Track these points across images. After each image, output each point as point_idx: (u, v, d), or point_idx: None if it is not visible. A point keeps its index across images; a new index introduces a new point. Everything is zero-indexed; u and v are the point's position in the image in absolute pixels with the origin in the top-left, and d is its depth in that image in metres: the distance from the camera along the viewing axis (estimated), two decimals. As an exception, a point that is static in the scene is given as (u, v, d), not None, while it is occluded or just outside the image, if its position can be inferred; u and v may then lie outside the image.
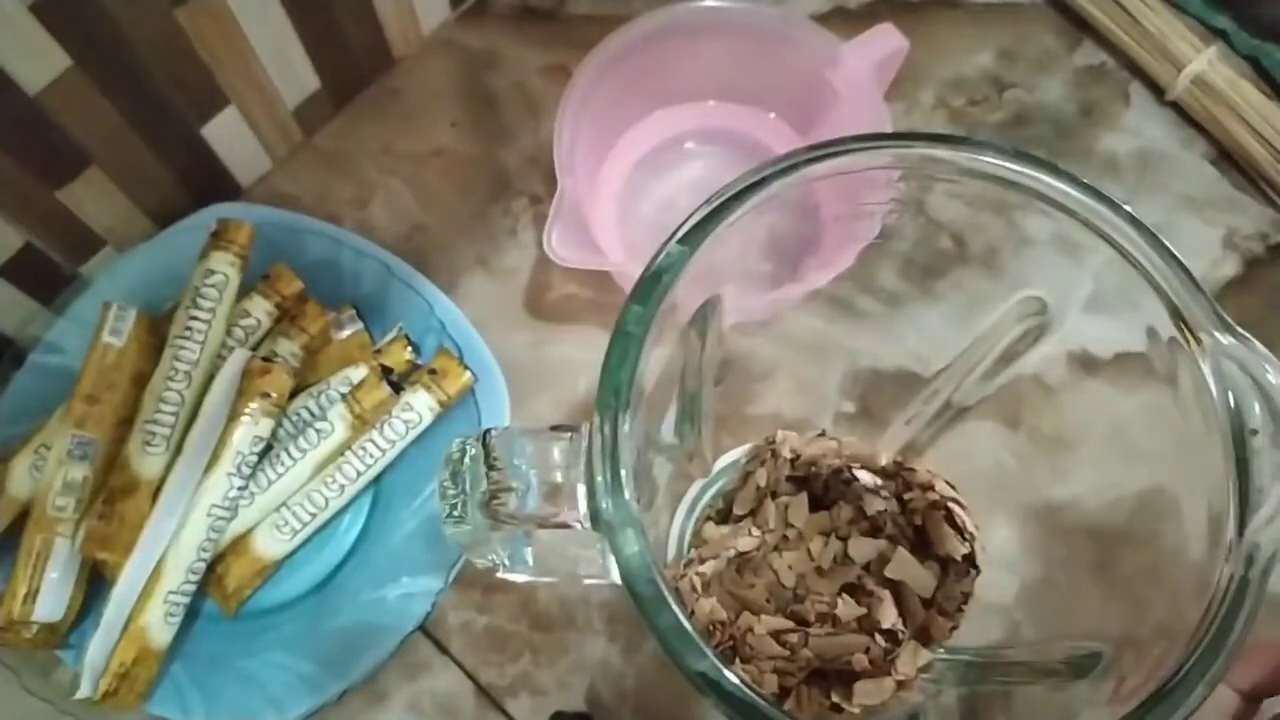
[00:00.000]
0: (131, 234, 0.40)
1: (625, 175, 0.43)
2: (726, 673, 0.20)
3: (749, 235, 0.25)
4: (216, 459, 0.35)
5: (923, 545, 0.33)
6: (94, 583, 0.35)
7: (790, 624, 0.32)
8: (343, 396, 0.37)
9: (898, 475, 0.34)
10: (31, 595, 0.33)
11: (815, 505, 0.34)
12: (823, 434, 0.35)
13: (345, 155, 0.45)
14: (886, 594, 0.32)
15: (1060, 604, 0.30)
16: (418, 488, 0.38)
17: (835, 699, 0.31)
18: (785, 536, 0.34)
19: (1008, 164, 0.24)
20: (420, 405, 0.36)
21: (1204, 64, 0.45)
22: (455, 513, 0.24)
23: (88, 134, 0.36)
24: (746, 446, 0.36)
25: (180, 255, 0.37)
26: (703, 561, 0.33)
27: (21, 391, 0.37)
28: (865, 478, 0.34)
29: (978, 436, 0.33)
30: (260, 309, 0.38)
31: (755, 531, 0.34)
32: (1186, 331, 0.23)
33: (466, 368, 0.37)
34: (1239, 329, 0.22)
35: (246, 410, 0.35)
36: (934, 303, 0.31)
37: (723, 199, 0.23)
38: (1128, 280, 0.24)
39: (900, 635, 0.32)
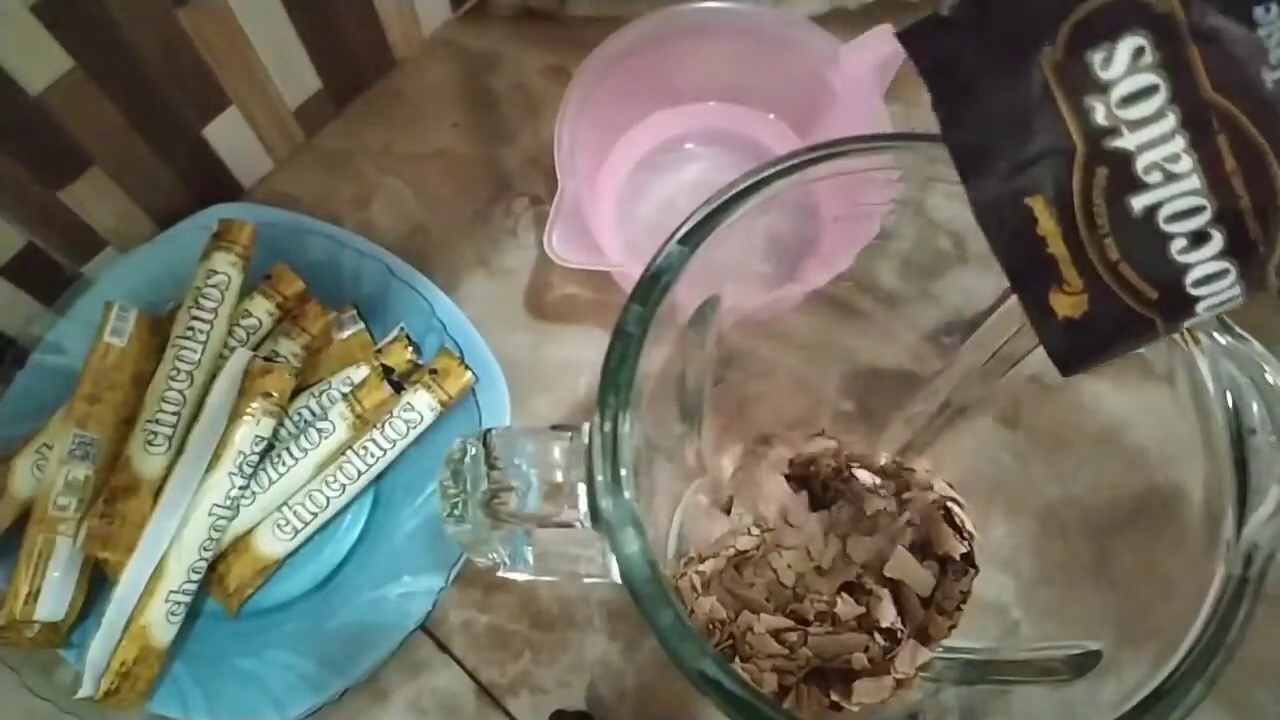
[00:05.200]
0: (133, 234, 0.41)
1: (625, 176, 0.44)
2: (726, 671, 0.20)
3: (749, 236, 0.25)
4: (218, 458, 0.35)
5: (922, 544, 0.33)
6: (96, 582, 0.35)
7: (790, 623, 0.32)
8: (344, 396, 0.37)
9: (897, 474, 0.34)
10: (33, 594, 0.33)
11: (815, 504, 0.34)
12: (822, 433, 0.35)
13: (346, 156, 0.45)
14: (885, 593, 0.32)
15: (1059, 603, 0.30)
16: (419, 487, 0.38)
17: (834, 698, 0.31)
18: (785, 536, 0.34)
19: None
20: (421, 405, 0.37)
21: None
22: (456, 512, 0.24)
23: (89, 134, 0.36)
24: (746, 446, 0.36)
25: (182, 256, 0.37)
26: (702, 560, 0.33)
27: (23, 391, 0.37)
28: (864, 477, 0.34)
29: (977, 436, 0.33)
30: (262, 309, 0.38)
31: (755, 530, 0.34)
32: (1185, 331, 0.23)
33: (467, 367, 0.37)
34: (1238, 329, 0.22)
35: (248, 410, 0.35)
36: (933, 303, 0.31)
37: (722, 199, 0.23)
38: (1126, 280, 0.24)
39: (899, 634, 0.32)
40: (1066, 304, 0.18)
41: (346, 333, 0.39)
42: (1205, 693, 0.21)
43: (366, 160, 0.45)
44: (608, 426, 0.22)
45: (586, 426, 0.22)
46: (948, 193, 0.26)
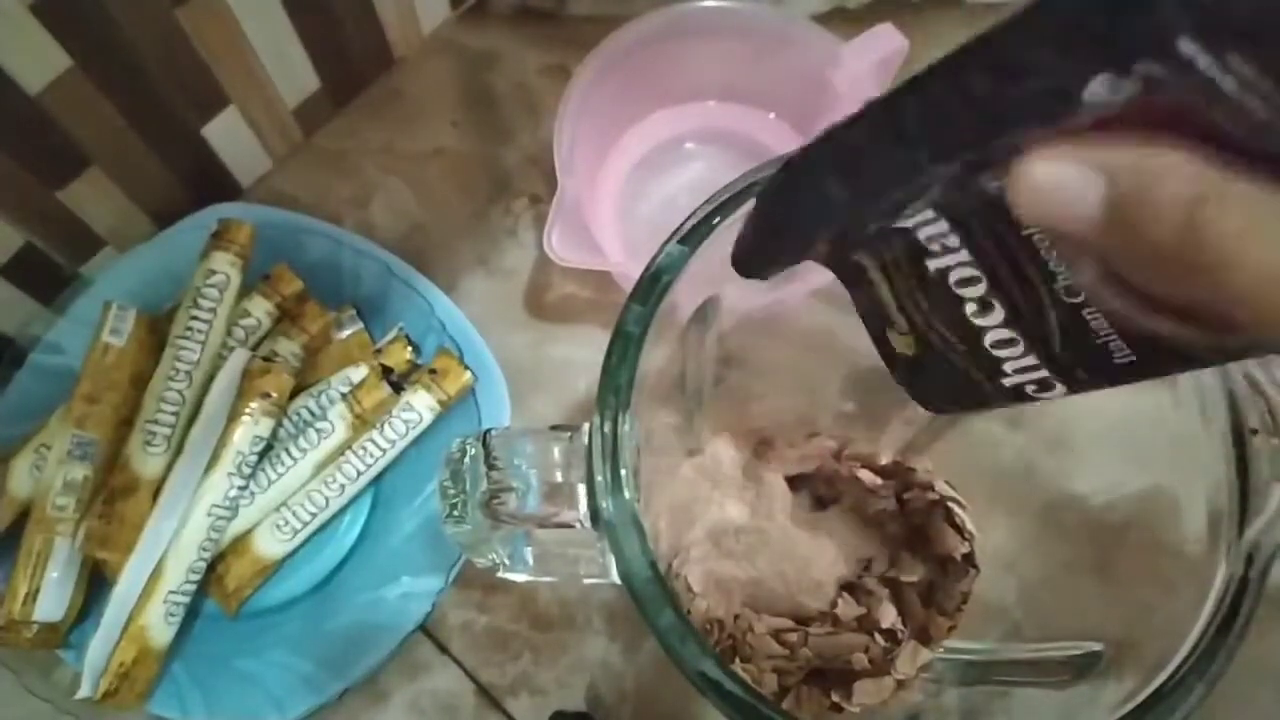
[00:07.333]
0: (132, 234, 0.41)
1: (625, 175, 0.43)
2: (726, 672, 0.20)
3: (749, 235, 0.25)
4: (217, 459, 0.35)
5: (922, 545, 0.33)
6: (94, 583, 0.35)
7: (790, 623, 0.32)
8: (343, 396, 0.37)
9: (898, 474, 0.34)
10: (32, 595, 0.33)
11: (816, 505, 0.34)
12: (822, 434, 0.35)
13: (345, 155, 0.45)
14: (886, 593, 0.32)
15: (1060, 604, 0.30)
16: (418, 487, 0.38)
17: (835, 698, 0.31)
18: (785, 536, 0.34)
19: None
20: (420, 405, 0.36)
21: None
22: (455, 512, 0.24)
23: (88, 134, 0.36)
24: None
25: (181, 255, 0.37)
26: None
27: (22, 391, 0.37)
28: (865, 477, 0.34)
29: (978, 436, 0.33)
30: (261, 309, 0.38)
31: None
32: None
33: (466, 367, 0.37)
34: (1239, 329, 0.22)
35: (247, 410, 0.35)
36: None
37: (723, 199, 0.23)
38: (1128, 280, 0.23)
39: (900, 635, 0.32)
40: (902, 343, 0.22)
41: (345, 332, 0.39)
42: (1206, 694, 0.21)
43: (365, 159, 0.45)
44: (607, 427, 0.21)
45: (586, 427, 0.22)
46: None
